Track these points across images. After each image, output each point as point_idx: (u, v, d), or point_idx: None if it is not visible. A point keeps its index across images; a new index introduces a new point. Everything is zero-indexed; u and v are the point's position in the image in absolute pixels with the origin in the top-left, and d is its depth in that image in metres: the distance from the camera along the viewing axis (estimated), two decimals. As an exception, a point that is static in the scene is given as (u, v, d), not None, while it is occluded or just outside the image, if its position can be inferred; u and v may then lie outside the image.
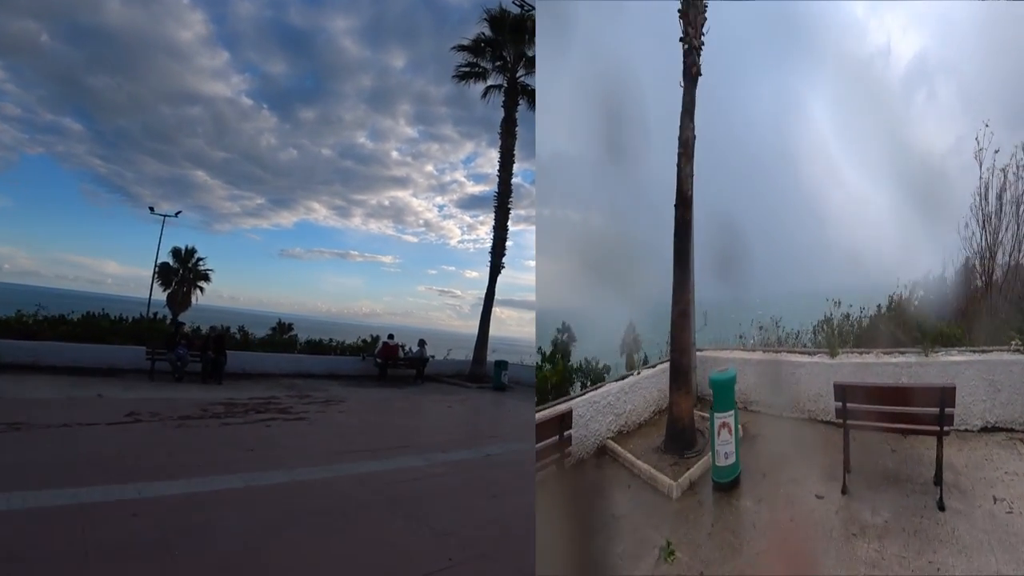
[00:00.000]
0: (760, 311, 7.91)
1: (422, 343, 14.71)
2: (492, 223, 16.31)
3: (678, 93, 4.60)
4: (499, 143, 16.77)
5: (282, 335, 24.54)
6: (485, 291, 16.23)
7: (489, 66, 17.48)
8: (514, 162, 16.55)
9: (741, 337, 8.20)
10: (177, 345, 10.91)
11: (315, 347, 14.95)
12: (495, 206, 16.24)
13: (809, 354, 6.36)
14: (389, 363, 13.69)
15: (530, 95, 17.33)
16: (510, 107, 17.00)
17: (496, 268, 15.97)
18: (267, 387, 10.88)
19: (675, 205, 4.71)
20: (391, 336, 14.23)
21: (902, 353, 5.90)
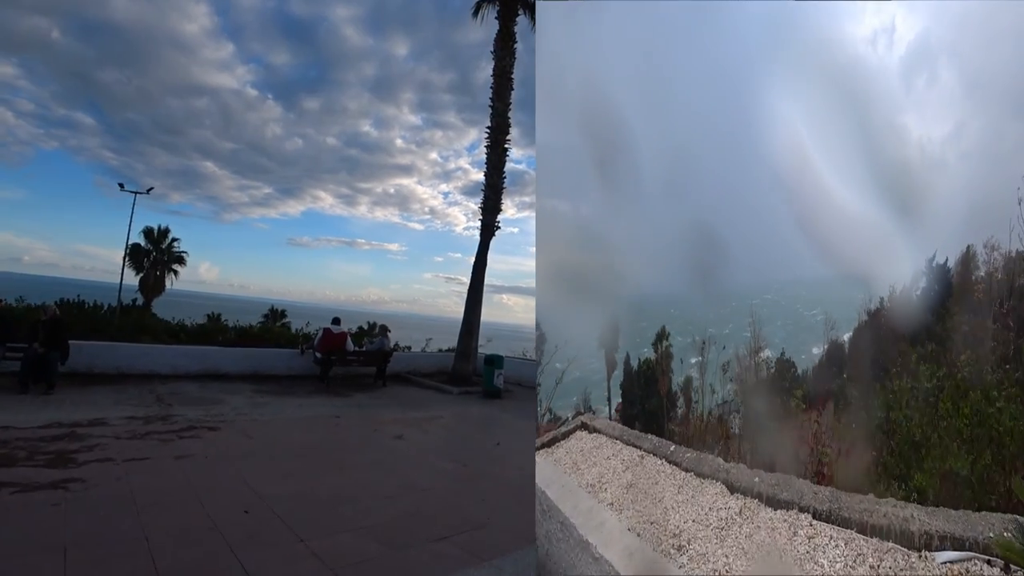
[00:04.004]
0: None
1: (384, 331, 10.66)
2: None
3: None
4: (492, 66, 12.59)
5: (275, 322, 21.99)
6: (474, 263, 12.13)
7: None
8: (512, 88, 12.36)
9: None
10: (-20, 335, 6.99)
11: (242, 335, 11.00)
12: (487, 145, 12.08)
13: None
14: (334, 359, 9.64)
15: (531, 8, 13.14)
16: (506, 19, 12.79)
17: (489, 228, 11.87)
18: (116, 399, 6.92)
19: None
20: (336, 321, 10.06)
21: None
